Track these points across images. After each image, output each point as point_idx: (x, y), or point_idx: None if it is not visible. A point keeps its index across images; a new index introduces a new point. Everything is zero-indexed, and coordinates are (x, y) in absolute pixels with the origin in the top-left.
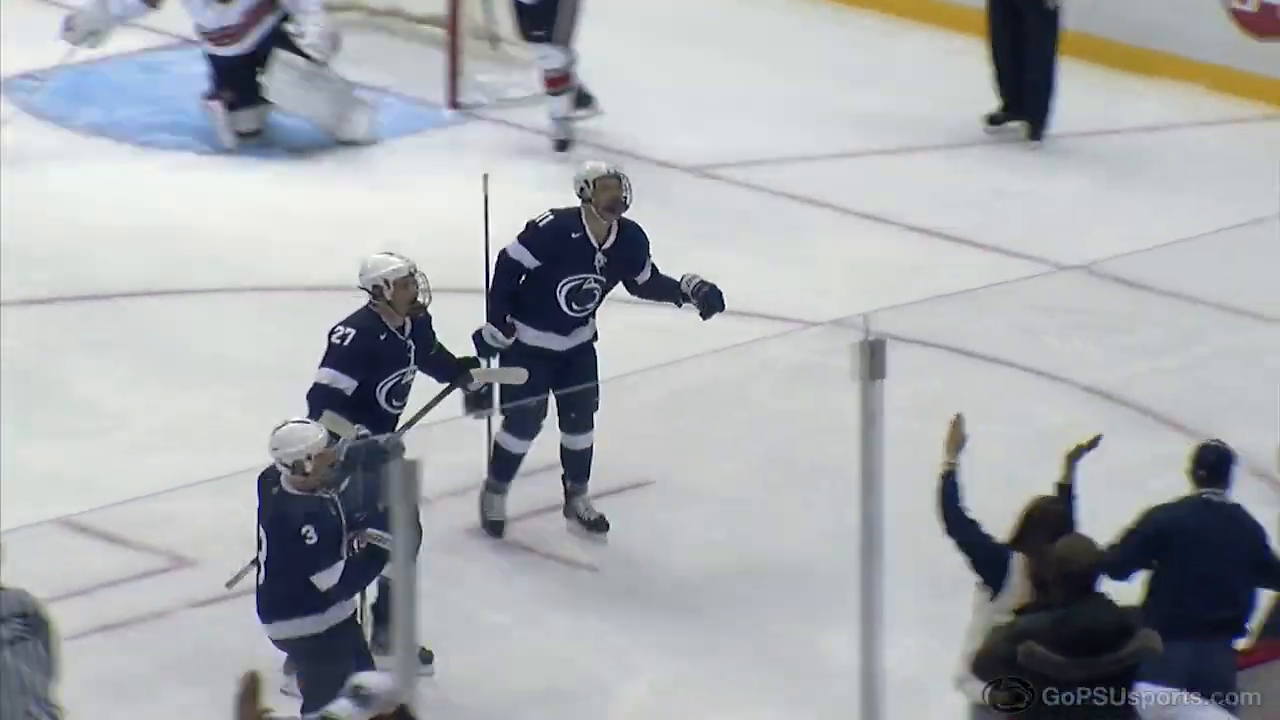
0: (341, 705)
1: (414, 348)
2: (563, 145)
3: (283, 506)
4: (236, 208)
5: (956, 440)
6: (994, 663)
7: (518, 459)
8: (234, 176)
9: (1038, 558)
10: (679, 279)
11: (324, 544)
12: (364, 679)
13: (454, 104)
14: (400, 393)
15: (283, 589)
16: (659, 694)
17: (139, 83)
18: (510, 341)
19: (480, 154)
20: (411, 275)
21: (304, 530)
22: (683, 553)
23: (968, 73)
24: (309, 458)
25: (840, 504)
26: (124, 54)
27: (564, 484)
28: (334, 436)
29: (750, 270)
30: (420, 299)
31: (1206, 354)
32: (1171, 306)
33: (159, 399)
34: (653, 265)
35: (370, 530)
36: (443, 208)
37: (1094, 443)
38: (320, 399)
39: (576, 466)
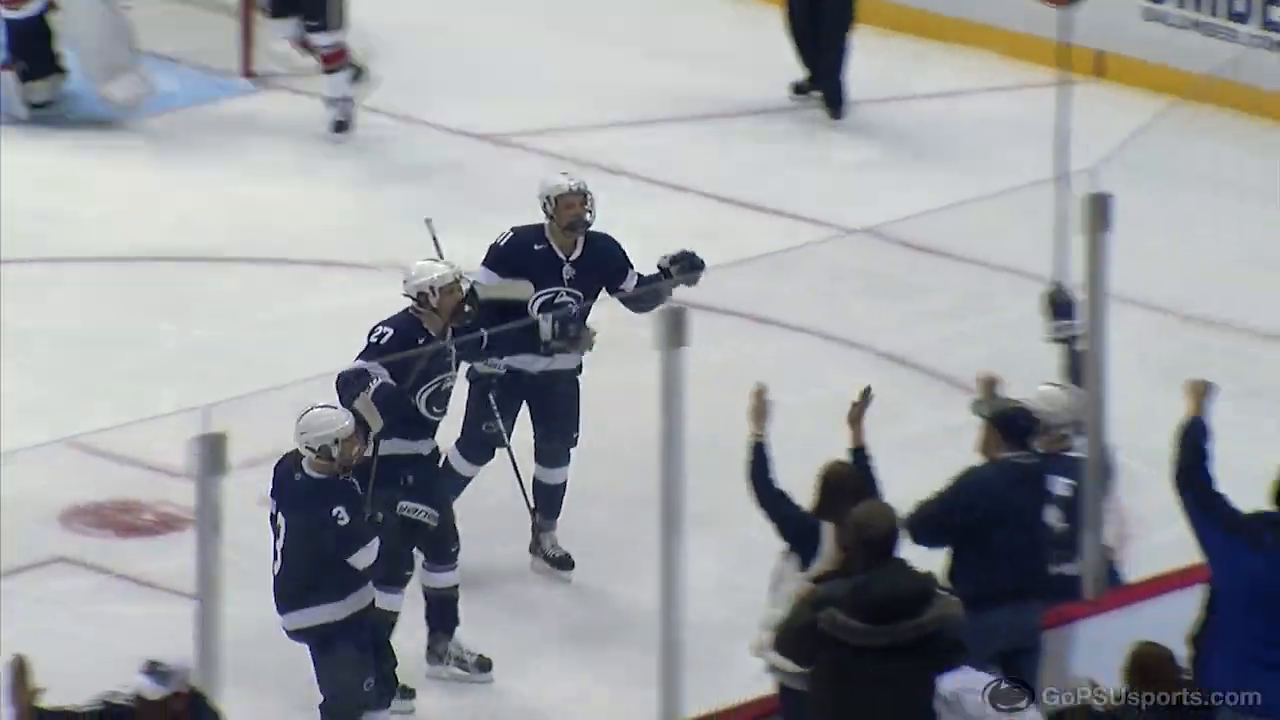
0: (140, 681)
1: (454, 354)
2: (340, 126)
3: (310, 491)
4: (29, 179)
5: (761, 411)
6: (797, 631)
7: (465, 480)
8: (27, 147)
9: (842, 524)
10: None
11: (356, 524)
12: (162, 657)
13: (248, 73)
14: (440, 399)
15: (305, 576)
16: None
17: None
18: (503, 368)
19: (276, 123)
20: (457, 282)
21: (335, 512)
22: (484, 521)
23: (767, 42)
24: (336, 442)
25: (640, 470)
26: None
27: (533, 517)
28: (362, 423)
29: None
30: (466, 307)
31: (998, 319)
32: (963, 271)
33: None
34: (638, 275)
35: (404, 504)
36: (238, 178)
37: (866, 396)
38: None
39: (547, 501)
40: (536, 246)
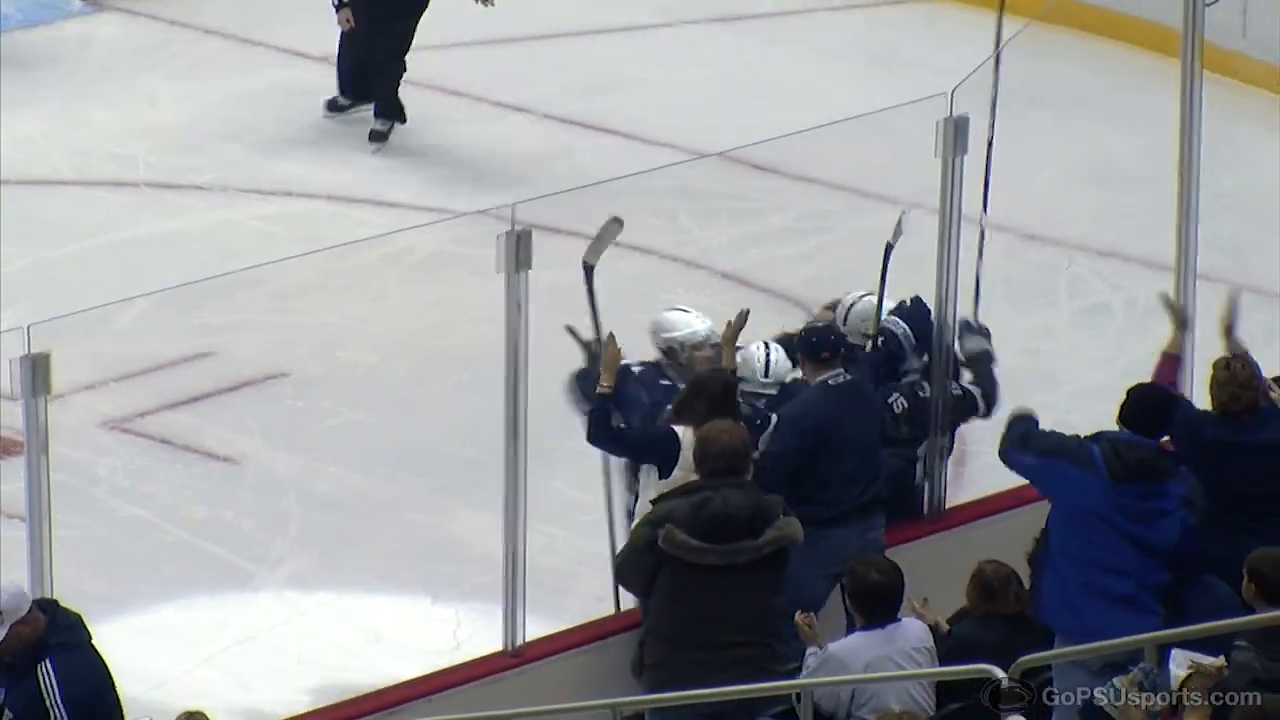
0: None
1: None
2: None
3: None
4: None
5: (614, 362)
6: (637, 549)
7: None
8: None
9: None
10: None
11: None
12: None
13: None
14: None
15: None
16: (301, 584)
17: None
18: None
19: (113, 45)
20: (708, 339)
21: None
22: (320, 442)
23: None
24: None
25: (481, 392)
26: None
27: None
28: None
29: (387, 161)
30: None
31: (834, 237)
32: (801, 191)
33: None
34: None
35: None
36: (74, 100)
37: (742, 318)
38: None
39: None
40: None
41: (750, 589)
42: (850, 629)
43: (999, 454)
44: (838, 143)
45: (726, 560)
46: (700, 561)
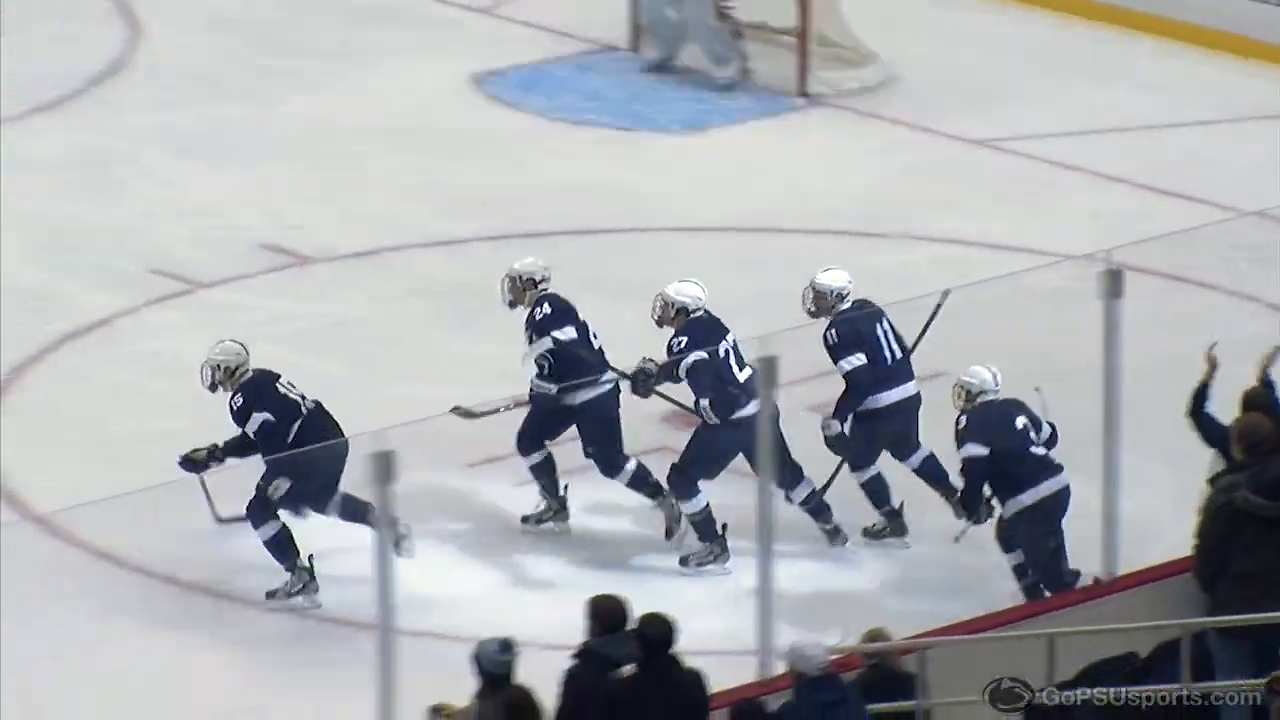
0: None
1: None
2: None
3: None
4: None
5: (1211, 363)
6: (1212, 516)
7: None
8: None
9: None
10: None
11: None
12: None
13: (803, 93)
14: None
15: None
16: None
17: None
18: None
19: (822, 132)
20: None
21: None
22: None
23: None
24: None
25: (1085, 403)
26: (559, 58)
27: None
28: None
29: (1015, 215)
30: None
31: None
32: None
33: None
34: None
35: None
36: (798, 172)
37: (1277, 349)
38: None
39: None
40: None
41: None
42: None
43: None
44: None
45: None
46: (1266, 515)
